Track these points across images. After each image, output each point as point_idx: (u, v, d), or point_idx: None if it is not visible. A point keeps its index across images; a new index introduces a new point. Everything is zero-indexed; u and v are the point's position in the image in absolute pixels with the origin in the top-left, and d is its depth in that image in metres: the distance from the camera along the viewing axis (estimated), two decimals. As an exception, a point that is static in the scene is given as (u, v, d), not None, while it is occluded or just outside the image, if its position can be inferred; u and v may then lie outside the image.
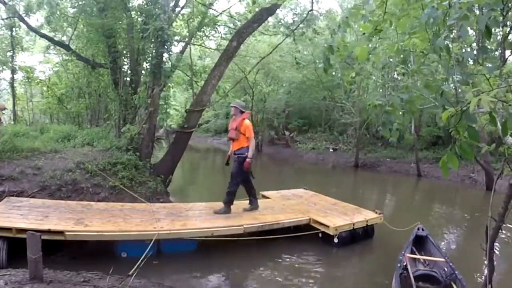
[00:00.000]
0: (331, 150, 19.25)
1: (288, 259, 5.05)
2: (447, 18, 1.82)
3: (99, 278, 3.46)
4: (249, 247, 5.04)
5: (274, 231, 5.40)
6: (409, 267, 3.97)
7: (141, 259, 3.66)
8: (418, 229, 5.12)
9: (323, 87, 19.25)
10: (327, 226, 5.36)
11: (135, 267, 3.47)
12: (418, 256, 4.54)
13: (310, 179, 11.90)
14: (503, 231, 5.81)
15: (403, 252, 4.39)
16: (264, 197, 7.38)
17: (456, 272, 3.98)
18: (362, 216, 5.90)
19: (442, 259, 4.32)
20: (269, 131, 23.41)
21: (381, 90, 18.69)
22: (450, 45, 1.95)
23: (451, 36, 1.96)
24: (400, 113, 2.19)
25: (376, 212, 6.07)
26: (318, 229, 5.52)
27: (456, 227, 7.44)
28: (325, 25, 18.73)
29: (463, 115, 1.65)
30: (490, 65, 2.03)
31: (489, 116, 1.64)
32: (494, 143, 2.82)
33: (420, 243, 4.92)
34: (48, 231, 4.11)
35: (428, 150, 16.08)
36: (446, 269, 4.12)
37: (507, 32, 11.24)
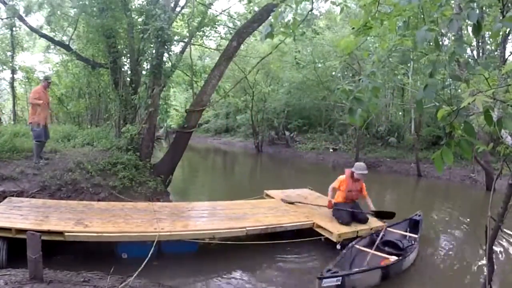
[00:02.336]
0: (331, 150, 19.25)
1: (290, 262, 5.02)
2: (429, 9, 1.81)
3: (99, 278, 3.47)
4: (251, 249, 4.98)
5: (276, 234, 5.32)
6: (381, 234, 5.32)
7: (144, 263, 3.66)
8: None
9: (323, 87, 19.25)
10: (331, 232, 5.27)
11: (138, 270, 3.47)
12: (397, 231, 5.72)
13: (310, 179, 11.88)
14: (507, 232, 5.82)
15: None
16: (268, 196, 7.33)
17: (415, 243, 5.21)
18: (366, 224, 5.73)
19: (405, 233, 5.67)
20: (269, 131, 23.40)
21: (381, 90, 18.70)
22: (440, 40, 1.94)
23: (441, 31, 1.96)
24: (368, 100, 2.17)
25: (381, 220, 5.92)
26: (322, 235, 5.42)
27: (456, 227, 7.44)
28: (324, 25, 18.77)
29: (457, 113, 1.65)
30: (484, 63, 2.03)
31: (484, 116, 1.64)
32: (493, 143, 2.82)
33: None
34: (48, 232, 4.11)
35: (428, 150, 16.06)
36: (408, 241, 5.39)
37: (506, 32, 11.24)
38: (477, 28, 1.71)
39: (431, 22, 1.98)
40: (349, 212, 5.75)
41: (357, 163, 5.98)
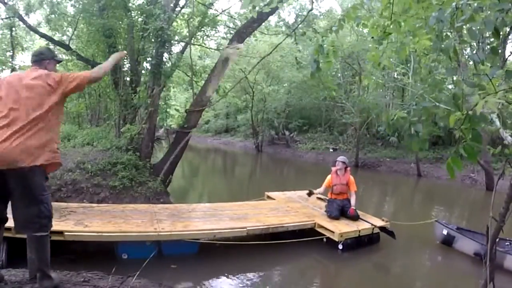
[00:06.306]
0: (331, 150, 19.25)
1: (292, 263, 5.01)
2: (455, 19, 1.81)
3: (99, 278, 3.46)
4: (252, 249, 4.95)
5: (278, 235, 5.30)
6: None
7: (145, 264, 3.64)
8: (442, 223, 5.89)
9: (323, 87, 19.25)
10: (332, 232, 5.25)
11: (139, 271, 3.46)
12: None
13: (310, 180, 11.89)
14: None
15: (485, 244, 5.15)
16: (269, 198, 7.32)
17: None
18: (368, 223, 5.70)
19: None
20: (269, 131, 23.41)
21: (381, 90, 18.71)
22: (457, 47, 1.94)
23: (458, 38, 1.96)
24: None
25: (383, 220, 5.90)
26: (323, 234, 5.42)
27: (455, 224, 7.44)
28: (325, 25, 18.78)
29: (469, 117, 1.65)
30: (490, 66, 2.02)
31: (498, 121, 1.64)
32: (495, 143, 2.82)
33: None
34: (48, 231, 4.10)
35: (428, 150, 16.06)
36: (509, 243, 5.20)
37: (507, 32, 11.26)
38: (496, 33, 1.71)
39: (457, 31, 1.98)
40: (338, 206, 5.88)
41: (339, 157, 6.39)
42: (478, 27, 1.70)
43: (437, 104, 2.13)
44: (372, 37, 2.45)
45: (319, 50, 2.38)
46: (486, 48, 13.84)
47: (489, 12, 1.80)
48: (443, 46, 1.87)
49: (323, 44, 2.36)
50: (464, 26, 1.77)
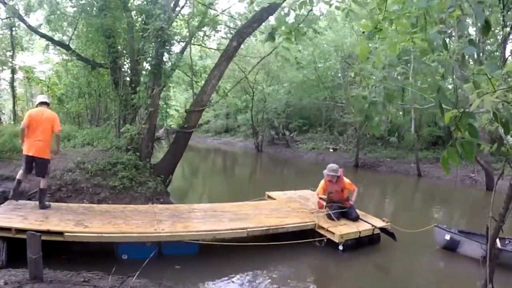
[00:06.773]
0: (331, 150, 19.24)
1: (292, 263, 5.00)
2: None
3: (99, 278, 3.46)
4: (252, 250, 4.93)
5: (278, 235, 5.28)
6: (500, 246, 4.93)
7: (144, 264, 3.64)
8: (443, 228, 5.70)
9: (323, 87, 19.24)
10: (333, 233, 5.25)
11: (139, 271, 3.46)
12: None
13: (311, 180, 11.86)
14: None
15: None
16: (270, 197, 7.31)
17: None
18: (368, 224, 5.68)
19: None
20: (269, 131, 23.40)
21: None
22: (448, 41, 1.93)
23: (448, 31, 1.95)
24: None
25: (384, 221, 5.88)
26: (324, 235, 5.40)
27: (455, 227, 7.43)
28: (325, 25, 18.77)
29: (464, 115, 1.64)
30: (490, 65, 2.01)
31: (493, 116, 1.64)
32: (496, 143, 2.82)
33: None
34: (48, 232, 4.11)
35: (428, 150, 16.08)
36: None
37: (507, 32, 11.25)
38: (486, 28, 1.70)
39: (440, 23, 1.96)
40: (338, 208, 5.88)
41: (328, 165, 6.26)
42: (470, 21, 1.69)
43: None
44: (363, 32, 2.44)
45: (281, 20, 2.39)
46: (487, 48, 13.83)
47: (466, 4, 1.78)
48: (428, 36, 1.85)
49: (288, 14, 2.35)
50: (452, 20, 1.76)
